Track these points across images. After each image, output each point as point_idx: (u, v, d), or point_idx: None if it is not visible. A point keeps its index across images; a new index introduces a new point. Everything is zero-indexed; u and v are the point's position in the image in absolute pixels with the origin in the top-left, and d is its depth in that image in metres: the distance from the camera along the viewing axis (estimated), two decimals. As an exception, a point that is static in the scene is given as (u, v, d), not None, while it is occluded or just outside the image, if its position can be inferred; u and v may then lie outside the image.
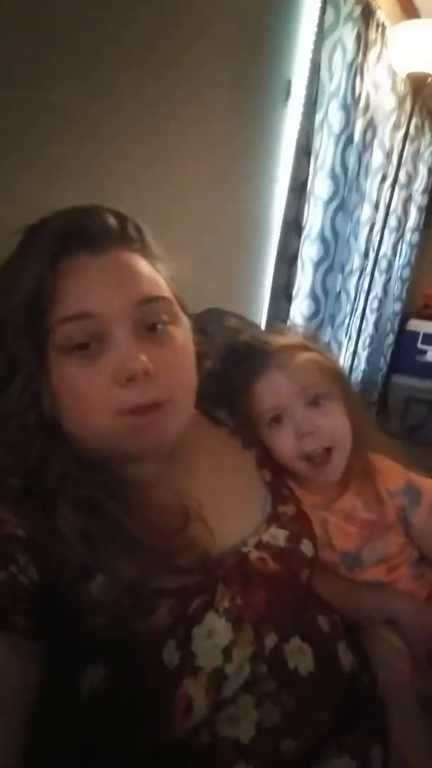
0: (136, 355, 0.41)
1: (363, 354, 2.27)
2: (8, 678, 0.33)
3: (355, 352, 2.07)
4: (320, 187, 1.52)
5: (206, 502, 0.48)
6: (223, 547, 0.48)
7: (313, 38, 1.29)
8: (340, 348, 1.98)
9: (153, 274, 0.46)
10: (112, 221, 0.45)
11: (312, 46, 1.29)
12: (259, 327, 1.12)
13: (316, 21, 1.29)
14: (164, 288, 0.47)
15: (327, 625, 0.50)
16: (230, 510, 0.52)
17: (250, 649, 0.42)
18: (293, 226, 1.40)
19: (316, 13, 1.29)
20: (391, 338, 2.58)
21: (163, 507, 0.46)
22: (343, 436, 0.55)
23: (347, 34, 1.41)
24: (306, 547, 0.51)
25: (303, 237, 1.47)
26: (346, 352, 2.05)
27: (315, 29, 1.29)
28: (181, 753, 0.39)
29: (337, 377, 0.57)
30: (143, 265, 0.46)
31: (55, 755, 0.35)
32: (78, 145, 0.81)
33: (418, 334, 2.58)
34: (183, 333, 0.48)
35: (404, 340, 2.63)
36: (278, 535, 0.50)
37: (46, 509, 0.41)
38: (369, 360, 2.34)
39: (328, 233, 1.60)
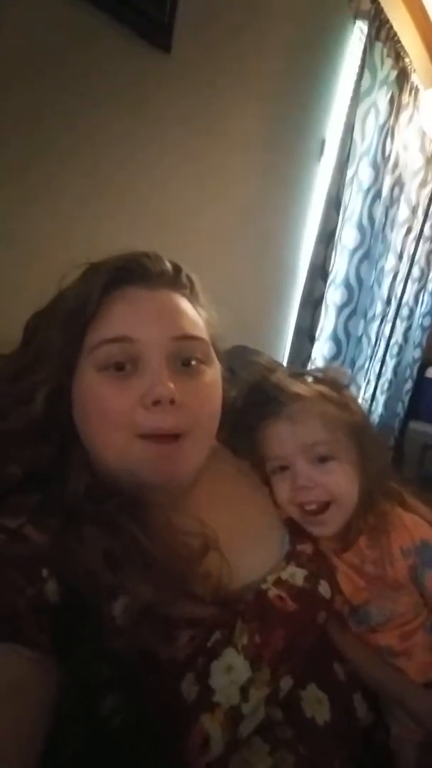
0: (166, 382, 0.44)
1: (381, 399, 2.27)
2: (30, 692, 0.34)
3: (373, 397, 2.08)
4: (347, 236, 1.59)
5: (225, 534, 0.49)
6: (242, 582, 0.48)
7: (349, 102, 1.38)
8: (358, 391, 1.99)
9: (195, 316, 0.50)
10: (168, 266, 0.50)
11: (347, 110, 1.38)
12: (282, 366, 1.15)
13: (352, 85, 1.38)
14: (203, 330, 0.50)
15: (343, 674, 0.50)
16: (249, 544, 0.52)
17: (266, 690, 0.42)
18: (320, 272, 1.45)
19: (353, 77, 1.38)
20: (409, 384, 2.57)
21: (182, 533, 0.47)
22: (343, 495, 0.54)
23: (381, 98, 1.50)
24: (323, 588, 0.51)
25: (328, 282, 1.52)
26: (364, 395, 2.06)
27: (351, 93, 1.38)
28: None
29: (355, 431, 0.56)
30: (188, 307, 0.50)
31: None
32: (125, 202, 0.88)
33: (437, 381, 2.58)
34: (213, 374, 0.51)
35: (423, 387, 2.62)
36: (297, 574, 0.50)
37: (69, 527, 0.42)
38: (387, 405, 2.34)
39: (352, 280, 1.65)
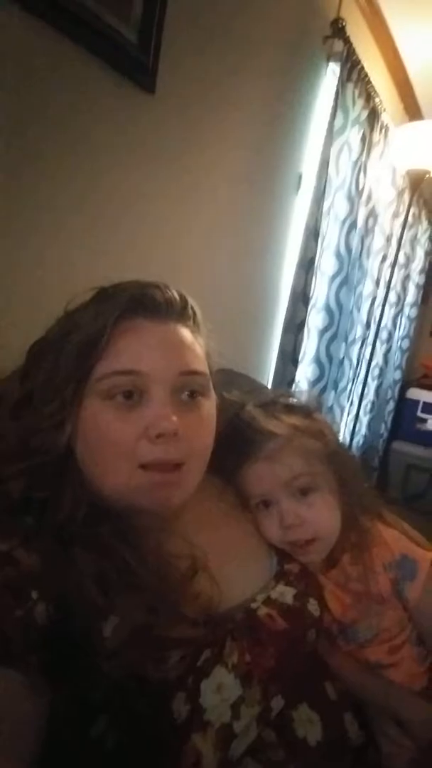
0: (170, 416, 0.46)
1: (364, 419, 2.32)
2: (20, 714, 0.34)
3: (356, 417, 2.11)
4: (326, 264, 1.65)
5: (214, 555, 0.50)
6: (232, 602, 0.49)
7: (323, 140, 1.46)
8: (342, 412, 2.03)
9: (199, 350, 0.52)
10: (176, 297, 0.52)
11: (322, 147, 1.46)
12: (265, 389, 1.17)
13: (326, 124, 1.46)
14: (204, 363, 0.52)
15: (334, 693, 0.50)
16: (238, 564, 0.53)
17: (258, 709, 0.43)
18: (301, 297, 1.50)
19: (327, 116, 1.46)
20: (391, 405, 2.63)
21: (171, 555, 0.48)
22: (327, 527, 0.55)
23: (354, 136, 1.59)
24: (312, 606, 0.52)
25: (309, 307, 1.57)
26: (348, 416, 2.09)
27: (325, 132, 1.46)
28: None
29: (331, 458, 0.56)
30: (192, 341, 0.51)
31: None
32: (112, 235, 0.91)
33: (418, 402, 2.64)
34: (210, 406, 0.52)
35: (405, 407, 2.68)
36: (286, 593, 0.51)
37: (60, 550, 0.43)
38: (370, 425, 2.38)
39: (332, 305, 1.71)
